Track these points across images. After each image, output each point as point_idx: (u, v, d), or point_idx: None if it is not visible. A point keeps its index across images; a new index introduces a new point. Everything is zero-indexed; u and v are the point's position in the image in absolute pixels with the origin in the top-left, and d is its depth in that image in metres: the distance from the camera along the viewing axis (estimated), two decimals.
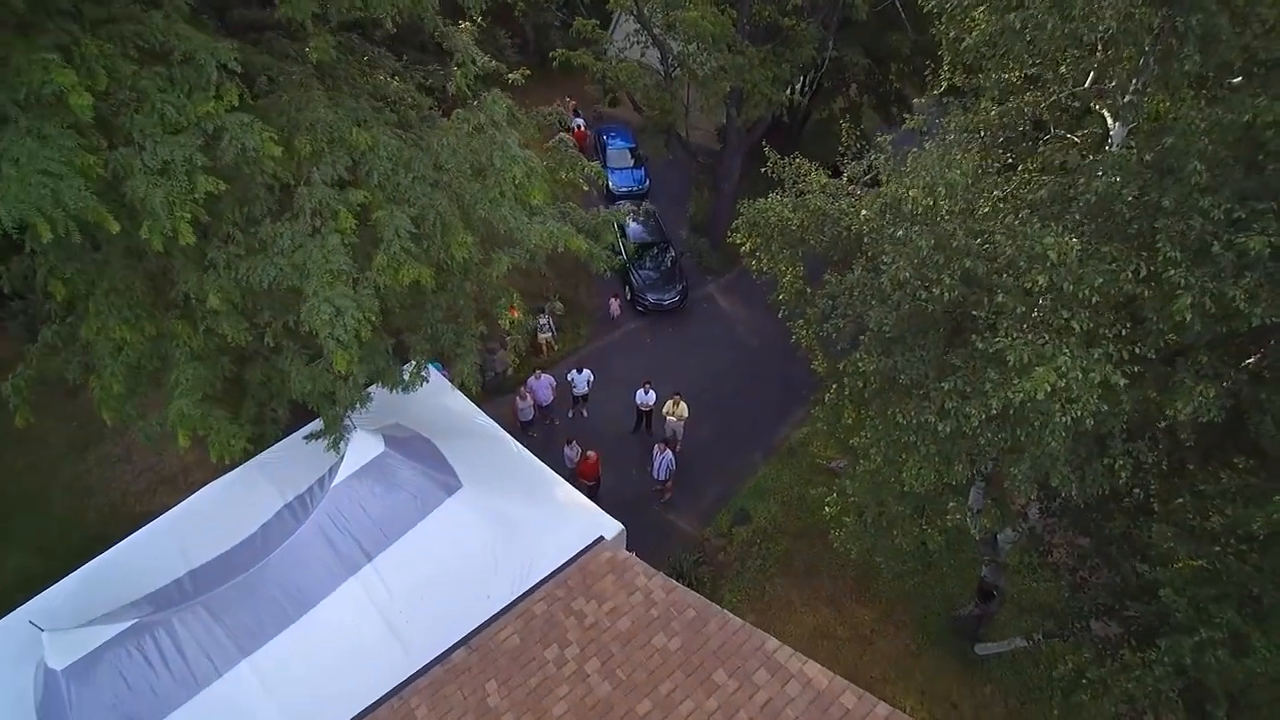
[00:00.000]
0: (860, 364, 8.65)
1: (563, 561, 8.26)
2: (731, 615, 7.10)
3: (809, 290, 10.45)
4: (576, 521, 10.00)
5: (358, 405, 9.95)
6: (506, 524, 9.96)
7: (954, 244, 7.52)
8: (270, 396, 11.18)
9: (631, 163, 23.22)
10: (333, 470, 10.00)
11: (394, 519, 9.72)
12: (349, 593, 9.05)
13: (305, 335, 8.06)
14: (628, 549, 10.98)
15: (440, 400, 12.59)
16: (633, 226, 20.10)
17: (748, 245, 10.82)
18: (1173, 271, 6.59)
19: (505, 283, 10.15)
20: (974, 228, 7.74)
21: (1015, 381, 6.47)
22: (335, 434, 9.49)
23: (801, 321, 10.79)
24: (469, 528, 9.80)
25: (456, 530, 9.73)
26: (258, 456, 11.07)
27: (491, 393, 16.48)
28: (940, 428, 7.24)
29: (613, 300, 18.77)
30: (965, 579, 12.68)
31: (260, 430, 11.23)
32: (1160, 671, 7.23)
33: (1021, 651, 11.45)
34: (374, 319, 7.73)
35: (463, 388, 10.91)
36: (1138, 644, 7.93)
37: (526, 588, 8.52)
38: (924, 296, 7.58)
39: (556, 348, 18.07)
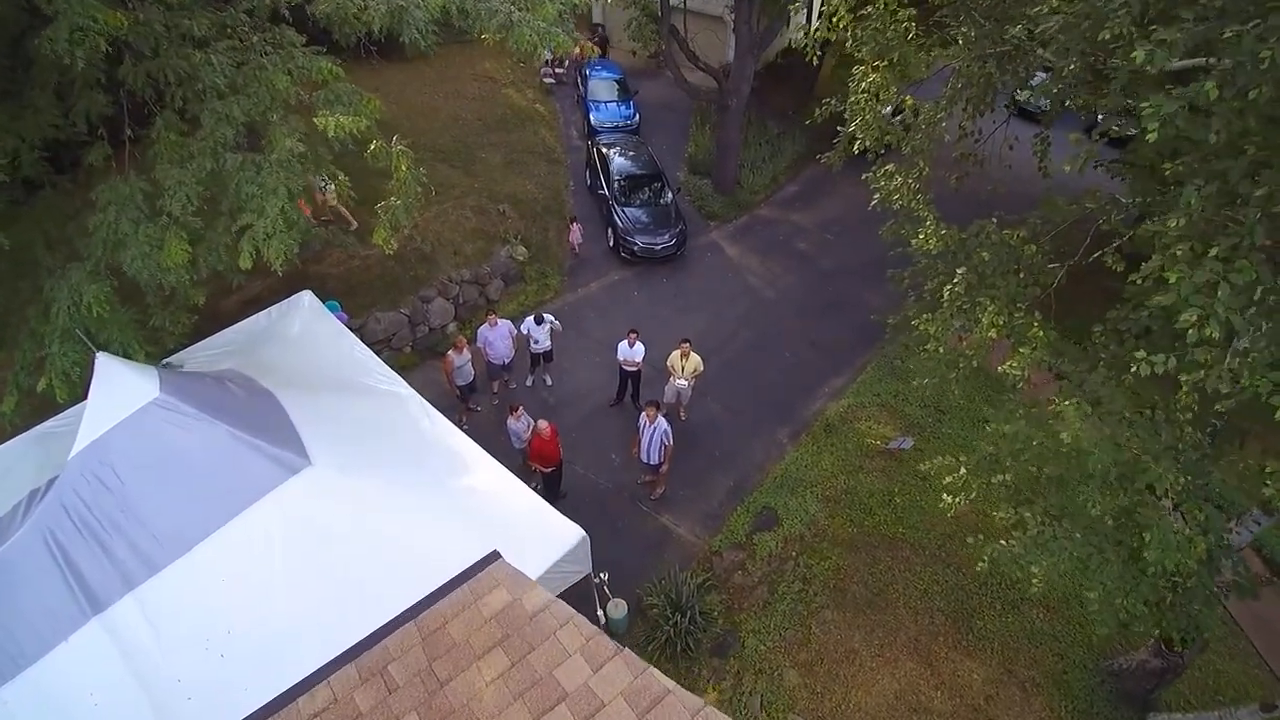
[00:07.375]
0: None
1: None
2: None
3: (907, 100, 6.29)
4: (512, 528, 6.25)
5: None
6: (385, 529, 6.10)
7: None
8: (50, 328, 8.10)
9: (618, 96, 19.44)
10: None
11: (180, 518, 5.85)
12: (90, 643, 5.47)
13: None
14: (594, 571, 7.14)
15: (322, 349, 8.70)
16: (618, 160, 16.29)
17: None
18: None
19: None
20: None
21: None
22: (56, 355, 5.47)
23: (887, 169, 6.65)
24: (314, 534, 5.98)
25: (293, 537, 5.93)
26: (45, 423, 7.73)
27: (425, 354, 12.44)
28: None
29: (574, 226, 14.59)
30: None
31: (45, 383, 7.82)
32: None
33: None
34: None
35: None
36: None
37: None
38: None
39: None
